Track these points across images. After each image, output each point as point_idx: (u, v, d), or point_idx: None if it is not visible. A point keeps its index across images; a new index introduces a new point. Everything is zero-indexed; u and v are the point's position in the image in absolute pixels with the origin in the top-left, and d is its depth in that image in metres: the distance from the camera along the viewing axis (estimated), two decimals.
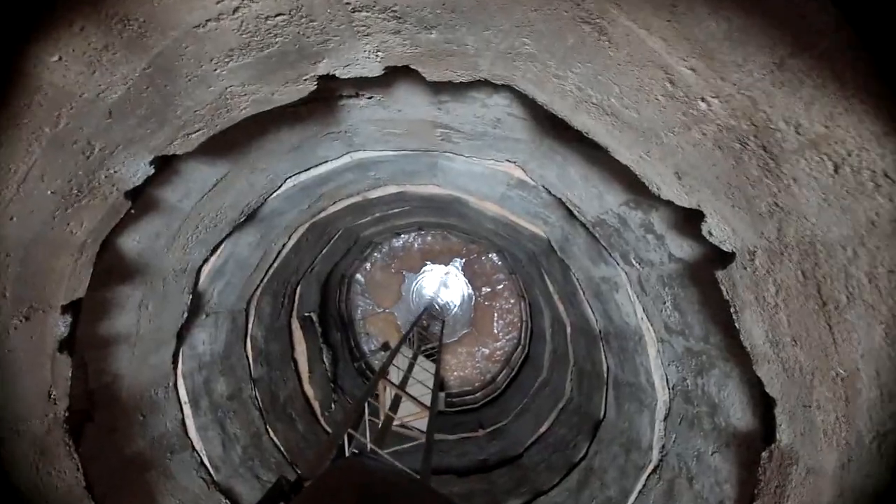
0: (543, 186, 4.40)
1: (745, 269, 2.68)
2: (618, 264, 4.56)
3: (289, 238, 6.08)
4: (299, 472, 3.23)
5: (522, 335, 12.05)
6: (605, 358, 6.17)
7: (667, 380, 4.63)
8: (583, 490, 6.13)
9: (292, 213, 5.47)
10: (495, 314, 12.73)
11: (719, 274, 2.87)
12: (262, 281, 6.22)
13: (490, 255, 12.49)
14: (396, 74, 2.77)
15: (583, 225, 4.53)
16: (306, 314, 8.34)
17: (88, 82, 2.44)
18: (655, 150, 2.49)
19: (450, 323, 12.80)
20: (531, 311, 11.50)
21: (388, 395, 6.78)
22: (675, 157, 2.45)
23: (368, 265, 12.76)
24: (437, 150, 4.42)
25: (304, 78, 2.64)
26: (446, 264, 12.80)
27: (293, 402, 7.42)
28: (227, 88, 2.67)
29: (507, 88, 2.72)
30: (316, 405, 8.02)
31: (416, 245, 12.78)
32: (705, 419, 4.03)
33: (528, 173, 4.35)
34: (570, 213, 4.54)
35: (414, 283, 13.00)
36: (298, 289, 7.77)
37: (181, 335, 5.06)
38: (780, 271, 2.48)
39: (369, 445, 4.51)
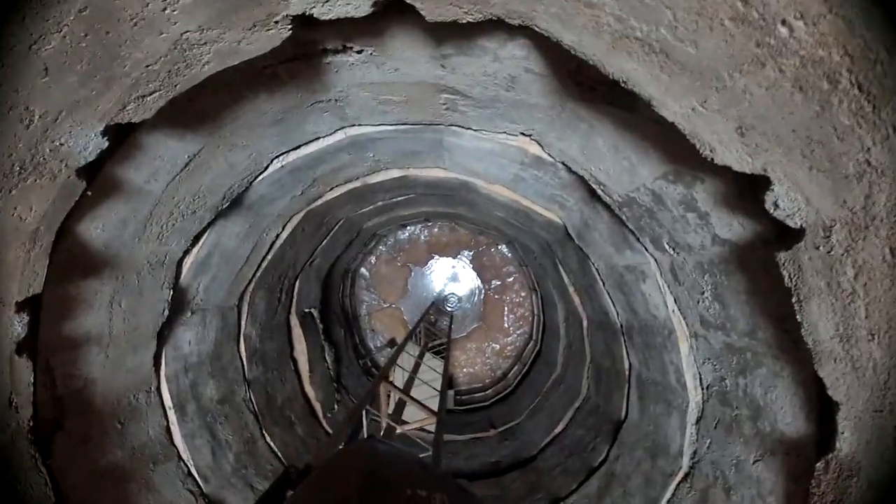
0: (563, 163, 3.90)
1: (816, 248, 2.18)
2: (646, 251, 4.07)
3: (282, 228, 5.61)
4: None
5: (534, 330, 11.58)
6: (627, 354, 5.72)
7: (700, 379, 4.15)
8: (604, 498, 5.69)
9: (284, 200, 4.99)
10: (505, 308, 12.26)
11: (781, 256, 2.38)
12: (254, 275, 5.76)
13: (499, 247, 12.02)
14: (389, 16, 2.28)
15: (607, 207, 4.04)
16: (306, 310, 7.89)
17: (18, 32, 1.99)
18: (714, 99, 1.99)
19: (458, 317, 12.34)
20: (543, 304, 11.02)
21: (392, 399, 6.39)
22: (739, 107, 1.95)
23: (373, 259, 12.31)
24: (442, 124, 3.91)
25: (276, 19, 2.16)
26: (454, 257, 12.34)
27: (292, 403, 6.98)
28: (182, 35, 2.20)
29: (525, 32, 2.23)
30: (317, 406, 7.58)
31: (422, 237, 12.33)
32: (746, 424, 3.56)
33: (545, 148, 3.84)
34: (593, 193, 4.05)
35: (421, 277, 12.54)
36: (297, 284, 7.31)
37: (163, 335, 4.62)
38: (864, 250, 1.99)
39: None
